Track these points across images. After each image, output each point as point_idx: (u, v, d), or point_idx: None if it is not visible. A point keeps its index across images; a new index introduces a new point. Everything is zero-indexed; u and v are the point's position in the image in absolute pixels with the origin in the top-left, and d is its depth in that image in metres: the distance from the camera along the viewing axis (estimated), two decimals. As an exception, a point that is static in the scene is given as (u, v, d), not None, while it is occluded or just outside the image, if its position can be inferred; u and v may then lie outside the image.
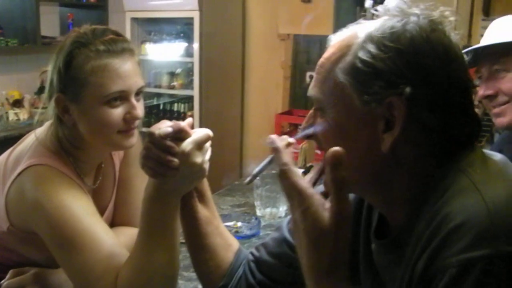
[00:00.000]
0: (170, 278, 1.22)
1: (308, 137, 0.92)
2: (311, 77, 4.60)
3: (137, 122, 1.36)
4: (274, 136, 0.88)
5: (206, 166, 1.15)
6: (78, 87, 1.31)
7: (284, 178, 0.81)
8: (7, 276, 1.39)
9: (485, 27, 1.78)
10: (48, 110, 1.39)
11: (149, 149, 1.06)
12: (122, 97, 1.32)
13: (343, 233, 0.77)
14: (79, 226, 1.25)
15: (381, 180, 0.86)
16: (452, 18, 0.85)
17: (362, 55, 0.82)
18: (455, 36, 0.84)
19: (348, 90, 0.84)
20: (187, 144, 1.09)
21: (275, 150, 0.85)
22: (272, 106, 4.72)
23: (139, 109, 1.35)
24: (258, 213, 2.08)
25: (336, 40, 0.89)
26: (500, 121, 1.68)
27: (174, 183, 1.11)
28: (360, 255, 1.01)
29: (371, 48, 0.82)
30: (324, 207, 0.78)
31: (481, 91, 1.67)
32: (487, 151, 0.88)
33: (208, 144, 1.16)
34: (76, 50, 1.31)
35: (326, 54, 0.89)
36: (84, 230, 1.25)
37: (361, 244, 1.00)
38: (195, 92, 4.39)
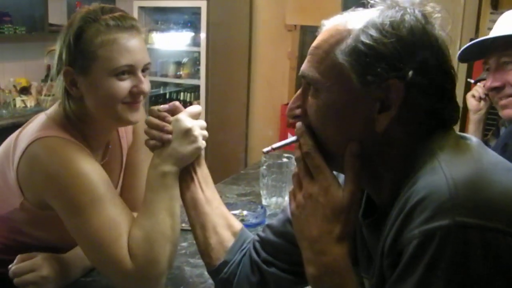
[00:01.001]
0: (174, 244, 1.33)
1: (295, 117, 0.97)
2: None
3: (142, 97, 1.40)
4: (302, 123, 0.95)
5: (199, 134, 1.30)
6: (87, 60, 1.34)
7: (311, 158, 0.93)
8: (15, 261, 1.40)
9: (493, 20, 1.78)
10: (56, 85, 1.42)
11: (150, 121, 1.29)
12: (130, 71, 1.36)
13: (354, 210, 0.93)
14: (96, 192, 1.30)
15: (371, 160, 0.91)
16: (439, 15, 0.91)
17: (364, 38, 0.87)
18: (443, 30, 0.91)
19: (347, 71, 0.88)
20: (179, 114, 1.30)
21: (303, 133, 0.94)
22: (278, 96, 4.72)
23: (146, 84, 1.39)
24: (264, 202, 2.08)
25: (331, 24, 0.94)
26: (506, 113, 1.69)
27: (171, 148, 1.28)
28: (356, 238, 1.06)
29: (373, 33, 0.86)
30: (340, 187, 0.91)
31: (488, 82, 1.68)
32: (463, 134, 0.95)
33: (202, 121, 1.33)
34: (87, 24, 1.35)
35: (322, 37, 0.93)
36: (101, 195, 1.31)
37: (357, 226, 1.05)
38: (202, 82, 4.40)
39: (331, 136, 0.92)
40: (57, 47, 1.40)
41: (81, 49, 1.34)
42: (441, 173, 0.79)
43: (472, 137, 0.93)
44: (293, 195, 0.98)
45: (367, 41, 0.86)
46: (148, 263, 1.28)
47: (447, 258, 0.73)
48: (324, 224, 0.91)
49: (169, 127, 1.28)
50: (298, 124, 0.95)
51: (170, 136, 1.27)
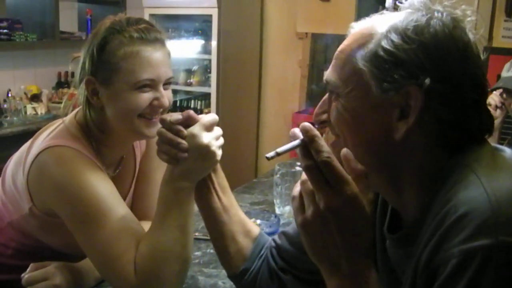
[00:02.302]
0: (184, 261, 1.29)
1: (322, 122, 0.94)
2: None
3: (161, 110, 1.38)
4: (309, 124, 0.85)
5: (216, 149, 1.22)
6: (109, 71, 1.34)
7: (330, 168, 0.81)
8: (28, 270, 1.39)
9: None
10: (78, 93, 1.42)
11: (162, 134, 1.18)
12: (151, 85, 1.35)
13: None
14: (101, 206, 1.28)
15: (392, 169, 0.88)
16: (472, 18, 0.87)
17: (385, 44, 0.84)
18: (474, 35, 0.86)
19: (366, 77, 0.85)
20: (193, 127, 1.19)
21: (313, 137, 0.82)
22: (289, 104, 4.70)
23: (167, 98, 1.38)
24: (277, 211, 2.06)
25: (358, 28, 0.91)
26: None
27: (186, 165, 1.19)
28: (376, 252, 1.02)
29: (395, 38, 0.83)
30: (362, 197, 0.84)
31: None
32: (497, 145, 0.90)
33: (218, 129, 1.24)
34: (111, 35, 1.34)
35: (347, 41, 0.91)
36: (106, 209, 1.28)
37: (377, 240, 1.01)
38: (212, 89, 4.40)
39: (350, 142, 0.89)
40: (81, 55, 1.39)
41: (104, 60, 1.34)
42: (481, 189, 0.74)
43: (506, 148, 0.88)
44: (300, 207, 0.86)
45: (387, 47, 0.83)
46: (153, 281, 1.25)
47: (489, 280, 0.68)
48: (355, 238, 0.82)
49: (184, 144, 1.17)
50: (305, 124, 0.84)
51: (186, 154, 1.18)
